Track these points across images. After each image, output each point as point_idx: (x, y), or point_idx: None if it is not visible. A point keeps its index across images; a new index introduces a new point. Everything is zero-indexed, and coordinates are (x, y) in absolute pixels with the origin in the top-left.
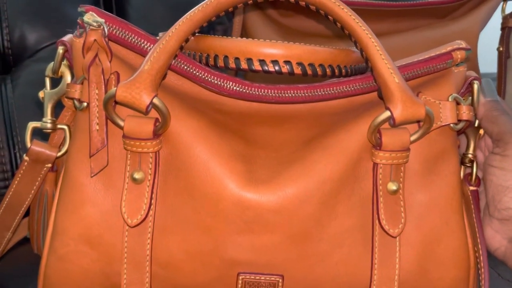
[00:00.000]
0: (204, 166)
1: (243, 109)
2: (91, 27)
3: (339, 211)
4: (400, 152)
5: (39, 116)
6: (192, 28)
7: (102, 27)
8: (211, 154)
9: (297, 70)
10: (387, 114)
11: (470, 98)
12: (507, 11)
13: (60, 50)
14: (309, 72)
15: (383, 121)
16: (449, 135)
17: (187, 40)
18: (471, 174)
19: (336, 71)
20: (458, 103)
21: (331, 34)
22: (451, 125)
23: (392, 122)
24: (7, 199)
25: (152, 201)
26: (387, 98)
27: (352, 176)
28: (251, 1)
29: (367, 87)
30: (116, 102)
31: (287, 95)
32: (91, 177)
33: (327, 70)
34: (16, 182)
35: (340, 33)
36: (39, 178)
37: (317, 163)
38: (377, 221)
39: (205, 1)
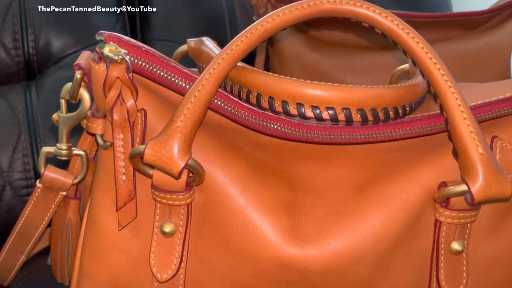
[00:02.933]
0: (243, 220)
1: (284, 141)
2: (112, 61)
3: (393, 270)
4: (468, 212)
5: None
6: (232, 64)
7: (125, 60)
8: (251, 206)
9: (356, 118)
10: (463, 187)
11: None
12: None
13: (78, 75)
14: (370, 118)
15: (457, 194)
16: None
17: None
18: None
19: (401, 112)
20: None
21: (367, 44)
22: None
23: (470, 201)
24: (20, 224)
25: (184, 252)
26: (466, 170)
27: (411, 232)
28: (300, 22)
29: (436, 129)
30: (143, 163)
31: (341, 137)
32: (119, 230)
33: (391, 113)
34: (28, 208)
35: (387, 44)
36: (53, 205)
37: (373, 219)
38: (434, 280)
39: (247, 30)
